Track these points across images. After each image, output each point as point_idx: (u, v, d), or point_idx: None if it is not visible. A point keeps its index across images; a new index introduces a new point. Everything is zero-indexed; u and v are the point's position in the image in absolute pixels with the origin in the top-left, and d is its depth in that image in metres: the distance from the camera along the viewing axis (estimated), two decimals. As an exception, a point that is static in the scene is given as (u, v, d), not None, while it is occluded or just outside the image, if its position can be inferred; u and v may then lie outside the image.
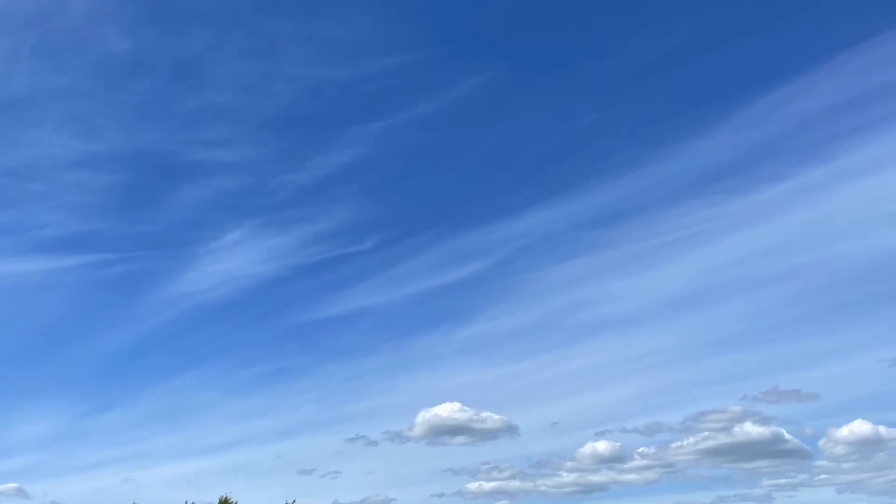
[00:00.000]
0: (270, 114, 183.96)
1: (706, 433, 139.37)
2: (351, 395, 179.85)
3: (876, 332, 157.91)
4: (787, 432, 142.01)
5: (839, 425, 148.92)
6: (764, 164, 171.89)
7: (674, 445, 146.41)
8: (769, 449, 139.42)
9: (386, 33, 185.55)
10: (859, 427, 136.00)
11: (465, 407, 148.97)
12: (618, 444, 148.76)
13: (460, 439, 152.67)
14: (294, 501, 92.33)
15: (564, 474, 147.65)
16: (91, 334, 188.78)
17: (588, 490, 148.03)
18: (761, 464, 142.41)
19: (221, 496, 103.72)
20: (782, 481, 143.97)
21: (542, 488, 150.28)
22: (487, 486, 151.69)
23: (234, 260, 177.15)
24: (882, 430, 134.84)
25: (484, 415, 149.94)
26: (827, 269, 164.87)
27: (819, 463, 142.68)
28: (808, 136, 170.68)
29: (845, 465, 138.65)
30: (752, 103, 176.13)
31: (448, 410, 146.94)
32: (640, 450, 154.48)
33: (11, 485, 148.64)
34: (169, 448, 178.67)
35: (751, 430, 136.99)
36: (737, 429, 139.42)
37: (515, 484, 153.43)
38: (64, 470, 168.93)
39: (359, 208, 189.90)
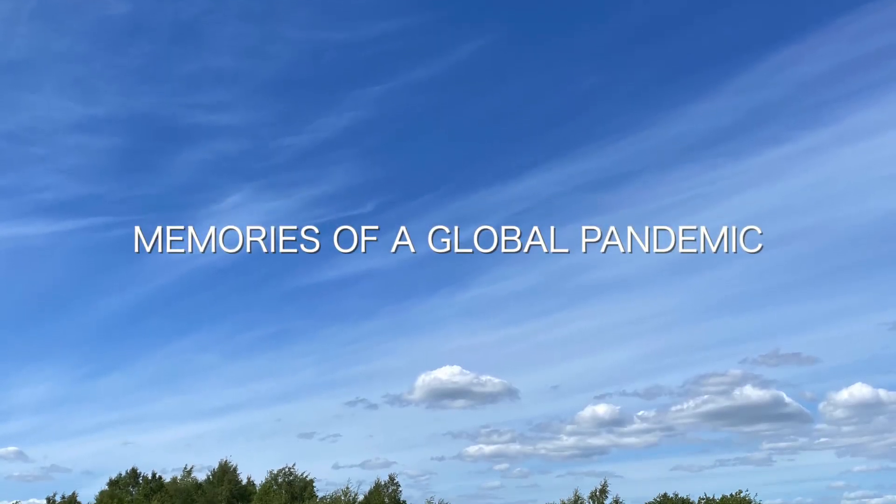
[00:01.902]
0: (269, 77, 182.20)
1: (706, 396, 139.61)
2: (350, 359, 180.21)
3: (876, 295, 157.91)
4: (787, 395, 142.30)
5: (839, 388, 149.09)
6: (764, 127, 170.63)
7: (674, 409, 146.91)
8: (769, 412, 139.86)
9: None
10: (859, 390, 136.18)
11: (464, 370, 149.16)
12: (618, 407, 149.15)
13: (460, 403, 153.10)
14: (294, 465, 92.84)
15: (564, 438, 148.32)
16: (90, 297, 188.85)
17: (588, 453, 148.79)
18: (761, 427, 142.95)
19: (221, 459, 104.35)
20: (782, 444, 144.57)
21: (542, 452, 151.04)
22: (487, 449, 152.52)
23: (234, 223, 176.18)
24: (882, 393, 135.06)
25: (484, 378, 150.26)
26: (827, 231, 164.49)
27: (819, 426, 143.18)
28: (809, 98, 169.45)
29: (845, 429, 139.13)
30: (752, 66, 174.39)
31: (448, 374, 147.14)
32: (639, 413, 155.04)
33: (11, 448, 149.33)
34: (168, 411, 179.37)
35: (751, 393, 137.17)
36: (737, 392, 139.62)
37: (515, 447, 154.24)
38: (63, 433, 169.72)
39: (359, 171, 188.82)
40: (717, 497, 76.28)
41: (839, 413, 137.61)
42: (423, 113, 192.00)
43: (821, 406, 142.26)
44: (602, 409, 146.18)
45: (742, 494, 74.91)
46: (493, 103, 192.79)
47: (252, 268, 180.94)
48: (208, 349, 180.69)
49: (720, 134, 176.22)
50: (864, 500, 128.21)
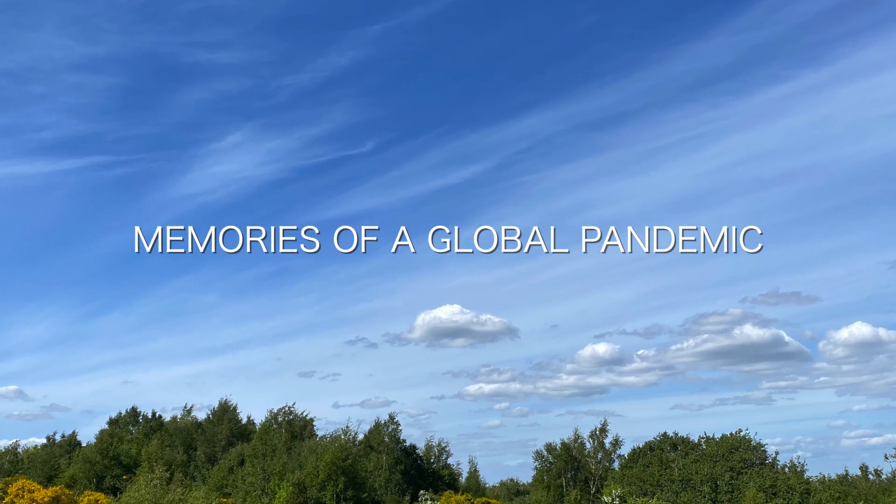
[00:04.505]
0: (270, 15, 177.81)
1: (706, 335, 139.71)
2: (350, 298, 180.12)
3: (876, 234, 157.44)
4: (787, 335, 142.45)
5: (839, 327, 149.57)
6: (763, 67, 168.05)
7: (673, 348, 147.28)
8: (769, 351, 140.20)
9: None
10: (859, 329, 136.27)
11: (464, 309, 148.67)
12: (617, 346, 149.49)
13: (460, 342, 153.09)
14: (294, 404, 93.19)
15: (564, 377, 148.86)
16: (91, 236, 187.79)
17: (588, 392, 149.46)
18: (761, 366, 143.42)
19: (221, 398, 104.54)
20: (782, 383, 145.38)
21: (542, 390, 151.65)
22: (487, 388, 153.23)
23: (234, 162, 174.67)
24: (882, 332, 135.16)
25: (484, 317, 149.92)
26: (827, 171, 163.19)
27: (819, 365, 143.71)
28: (808, 38, 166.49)
29: (845, 368, 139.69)
30: (751, 5, 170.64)
31: (448, 313, 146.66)
32: (639, 352, 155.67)
33: (11, 387, 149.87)
34: (169, 350, 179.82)
35: (751, 332, 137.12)
36: (736, 331, 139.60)
37: (515, 386, 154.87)
38: (63, 372, 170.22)
39: (358, 111, 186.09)
40: (717, 436, 76.32)
41: (839, 352, 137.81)
42: (422, 52, 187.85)
43: (821, 345, 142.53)
44: (602, 348, 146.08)
45: (742, 433, 74.92)
46: (493, 42, 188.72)
47: (252, 206, 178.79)
48: (208, 288, 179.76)
49: (720, 73, 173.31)
50: (863, 438, 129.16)
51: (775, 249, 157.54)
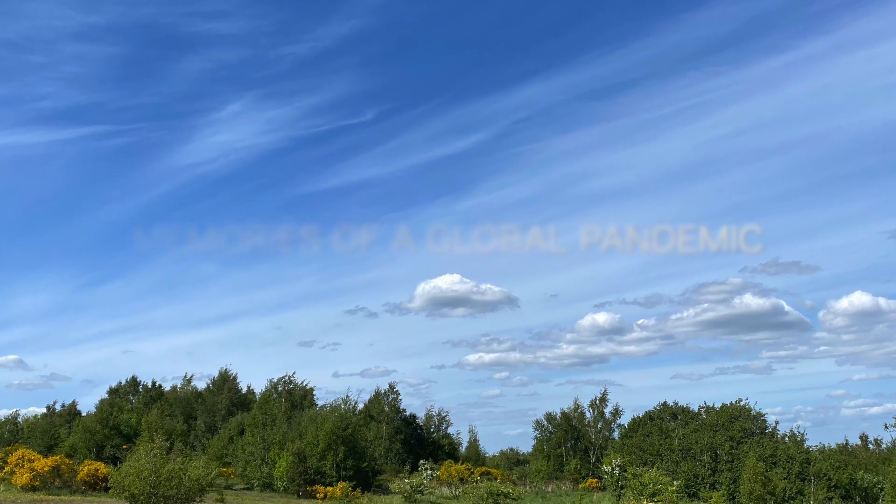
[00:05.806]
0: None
1: (706, 305, 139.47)
2: (351, 267, 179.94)
3: (876, 203, 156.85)
4: (787, 304, 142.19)
5: (839, 297, 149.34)
6: (764, 36, 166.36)
7: (673, 317, 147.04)
8: (769, 321, 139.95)
9: None
10: (859, 299, 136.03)
11: (464, 279, 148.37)
12: (617, 315, 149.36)
13: (460, 311, 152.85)
14: (294, 373, 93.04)
15: (564, 346, 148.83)
16: (91, 206, 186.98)
17: (588, 362, 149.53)
18: (761, 336, 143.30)
19: (221, 368, 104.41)
20: (782, 353, 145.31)
21: (542, 360, 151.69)
22: (487, 357, 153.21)
23: (234, 132, 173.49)
24: (882, 301, 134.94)
25: (484, 286, 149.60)
26: (827, 140, 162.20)
27: (819, 335, 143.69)
28: (809, 7, 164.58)
29: (845, 337, 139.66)
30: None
31: (448, 282, 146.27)
32: (639, 321, 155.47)
33: (11, 356, 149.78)
34: (169, 319, 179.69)
35: (750, 301, 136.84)
36: (736, 301, 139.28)
37: (515, 355, 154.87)
38: (63, 341, 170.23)
39: (358, 80, 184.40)
40: (717, 405, 76.23)
41: (839, 321, 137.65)
42: (422, 21, 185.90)
43: (821, 314, 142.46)
44: (602, 318, 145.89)
45: (742, 403, 74.79)
46: (493, 12, 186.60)
47: (251, 176, 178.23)
48: (209, 257, 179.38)
49: (720, 42, 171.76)
50: (863, 408, 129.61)
51: (775, 219, 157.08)
